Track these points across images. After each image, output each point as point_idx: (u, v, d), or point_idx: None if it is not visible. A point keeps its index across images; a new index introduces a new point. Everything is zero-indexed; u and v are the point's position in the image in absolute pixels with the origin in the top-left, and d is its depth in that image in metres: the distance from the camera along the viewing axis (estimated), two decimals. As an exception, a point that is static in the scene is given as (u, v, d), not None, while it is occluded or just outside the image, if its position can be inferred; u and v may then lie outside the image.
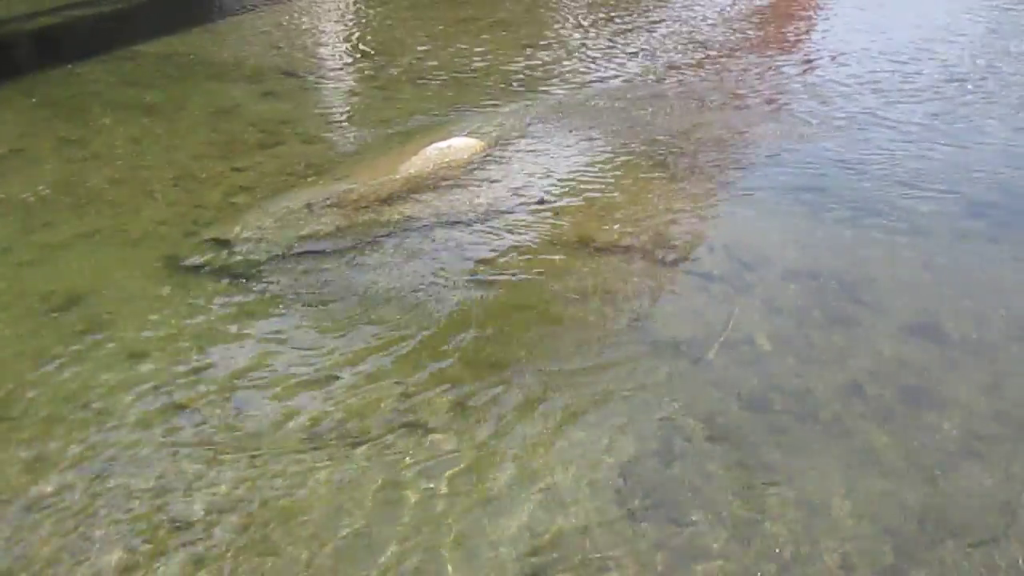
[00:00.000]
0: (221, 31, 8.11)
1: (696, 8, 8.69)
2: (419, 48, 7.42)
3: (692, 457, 2.90)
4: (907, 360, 3.36)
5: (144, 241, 4.24)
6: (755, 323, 3.57)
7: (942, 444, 2.95)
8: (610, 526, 2.64)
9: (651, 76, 6.60)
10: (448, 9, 8.74)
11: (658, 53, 7.20)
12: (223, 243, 4.16)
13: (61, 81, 6.63)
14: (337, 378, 3.28)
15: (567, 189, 4.73)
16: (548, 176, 4.87)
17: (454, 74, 6.70)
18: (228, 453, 2.93)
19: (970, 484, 2.79)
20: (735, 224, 4.42)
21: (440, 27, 8.08)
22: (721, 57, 7.11)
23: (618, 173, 4.93)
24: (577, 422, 3.06)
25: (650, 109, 5.86)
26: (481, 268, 3.98)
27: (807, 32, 8.04)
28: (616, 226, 4.33)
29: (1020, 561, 2.53)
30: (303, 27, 8.23)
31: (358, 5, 9.17)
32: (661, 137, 5.39)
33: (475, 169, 4.92)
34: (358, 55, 7.46)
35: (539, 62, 6.96)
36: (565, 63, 6.95)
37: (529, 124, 5.59)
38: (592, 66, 6.86)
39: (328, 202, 4.53)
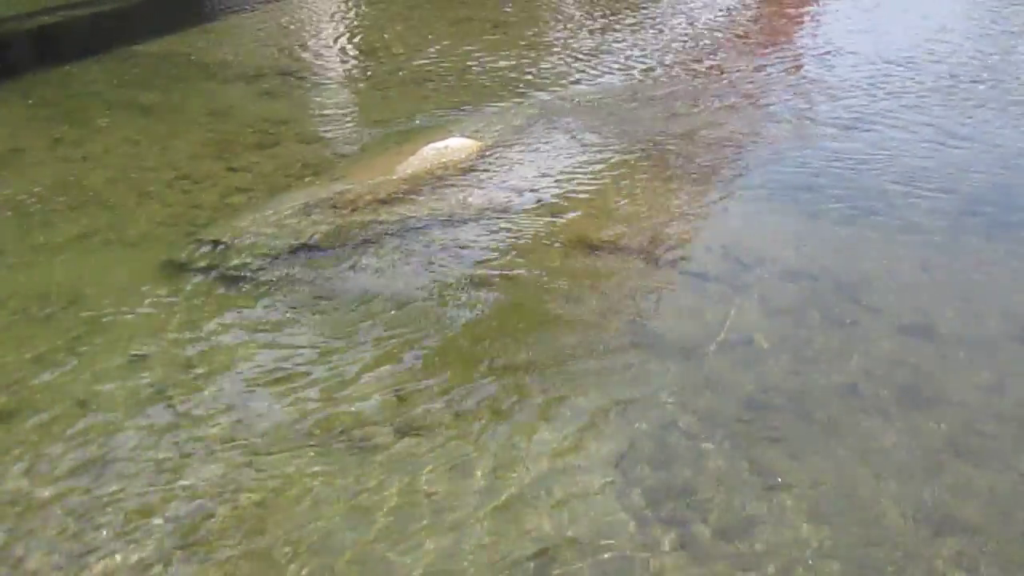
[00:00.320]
0: (218, 31, 8.10)
1: (694, 9, 8.69)
2: (416, 49, 7.41)
3: (690, 457, 2.90)
4: (904, 359, 3.36)
5: (141, 242, 4.24)
6: (753, 323, 3.57)
7: (939, 443, 2.95)
8: (608, 526, 2.64)
9: (648, 76, 6.60)
10: (445, 9, 8.73)
11: (655, 53, 7.20)
12: (220, 244, 4.15)
13: (58, 81, 6.62)
14: (334, 378, 3.27)
15: (564, 189, 4.73)
16: (545, 176, 4.87)
17: (451, 74, 6.70)
18: (226, 453, 2.93)
19: (967, 483, 2.79)
20: (733, 224, 4.42)
21: (437, 27, 8.07)
22: (719, 57, 7.11)
23: (616, 173, 4.93)
24: (575, 422, 3.05)
25: (647, 109, 5.86)
26: (478, 268, 3.98)
27: (804, 32, 8.05)
28: (614, 226, 4.33)
29: (1019, 561, 2.53)
30: (300, 27, 8.22)
31: (355, 5, 9.17)
32: (659, 137, 5.39)
33: (472, 169, 4.92)
34: (355, 55, 7.45)
35: (536, 63, 6.96)
36: (562, 63, 6.95)
37: (526, 124, 5.58)
38: (590, 66, 6.86)
39: (325, 202, 4.53)
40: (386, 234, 4.25)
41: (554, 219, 4.41)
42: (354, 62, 7.31)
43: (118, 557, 2.56)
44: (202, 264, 4.02)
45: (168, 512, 2.71)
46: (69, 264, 4.07)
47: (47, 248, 4.19)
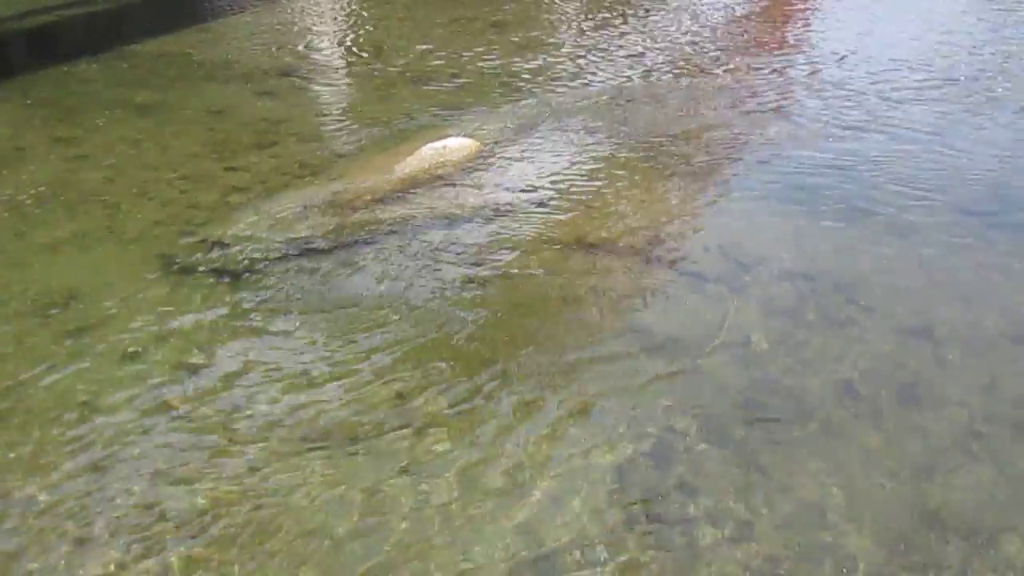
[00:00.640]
0: (216, 31, 8.09)
1: (693, 9, 8.70)
2: (415, 48, 7.42)
3: (688, 457, 2.90)
4: (901, 360, 3.36)
5: (139, 241, 4.23)
6: (751, 323, 3.57)
7: (937, 443, 2.95)
8: (606, 526, 2.64)
9: (647, 76, 6.60)
10: (444, 9, 8.73)
11: (654, 53, 7.20)
12: (218, 243, 4.15)
13: (56, 81, 6.61)
14: (332, 377, 3.27)
15: (563, 189, 4.73)
16: (544, 176, 4.87)
17: (450, 74, 6.70)
18: (223, 453, 2.93)
19: (965, 483, 2.79)
20: (731, 224, 4.42)
21: (436, 27, 8.08)
22: (717, 58, 7.12)
23: (614, 173, 4.93)
24: (573, 422, 3.05)
25: (646, 109, 5.87)
26: (476, 268, 3.98)
27: (803, 33, 8.05)
28: (612, 226, 4.33)
29: (1017, 560, 2.53)
30: (298, 27, 8.22)
31: (353, 5, 9.16)
32: (657, 138, 5.39)
33: (471, 169, 4.92)
34: (354, 55, 7.45)
35: (535, 63, 6.96)
36: (561, 64, 6.95)
37: (525, 124, 5.58)
38: (588, 67, 6.86)
39: (323, 202, 4.53)
40: (384, 234, 4.25)
41: (553, 219, 4.41)
42: (352, 61, 7.30)
43: (116, 557, 2.55)
44: (200, 263, 4.01)
45: (167, 512, 2.71)
46: (67, 263, 4.06)
47: (45, 247, 4.19)
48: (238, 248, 4.11)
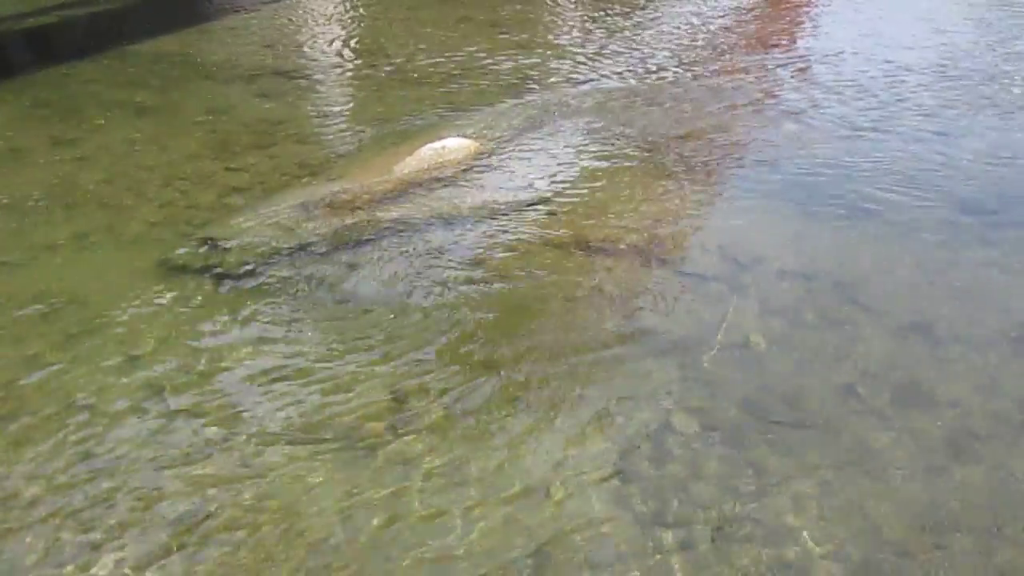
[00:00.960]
0: (215, 31, 8.09)
1: (693, 10, 8.70)
2: (413, 48, 7.41)
3: (687, 457, 2.90)
4: (900, 359, 3.36)
5: (138, 242, 4.23)
6: (750, 323, 3.57)
7: (935, 442, 2.95)
8: (605, 526, 2.64)
9: (646, 77, 6.60)
10: (444, 10, 8.73)
11: (653, 54, 7.20)
12: (217, 244, 4.15)
13: (54, 81, 6.61)
14: (332, 378, 3.27)
15: (562, 189, 4.73)
16: (543, 176, 4.87)
17: (449, 74, 6.70)
18: (223, 453, 2.93)
19: (963, 482, 2.79)
20: (730, 224, 4.42)
21: (436, 28, 8.07)
22: (716, 58, 7.12)
23: (613, 173, 4.93)
24: (572, 422, 3.05)
25: (645, 110, 5.87)
26: (475, 268, 3.98)
27: (801, 33, 8.05)
28: (611, 226, 4.33)
29: (1017, 561, 2.53)
30: (298, 27, 8.22)
31: (353, 5, 9.16)
32: (656, 138, 5.39)
33: (469, 170, 4.92)
34: (352, 55, 7.45)
35: (534, 63, 6.96)
36: (560, 64, 6.95)
37: (524, 125, 5.58)
38: (587, 67, 6.86)
39: (322, 203, 4.52)
40: (383, 234, 4.25)
41: (552, 219, 4.41)
42: (351, 62, 7.30)
43: (114, 556, 2.55)
44: (199, 264, 4.01)
45: (166, 513, 2.71)
46: (66, 264, 4.06)
47: (44, 248, 4.18)
48: (237, 249, 4.11)
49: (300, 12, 8.66)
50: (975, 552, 2.56)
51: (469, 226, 4.34)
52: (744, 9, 8.73)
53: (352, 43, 7.77)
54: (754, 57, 7.09)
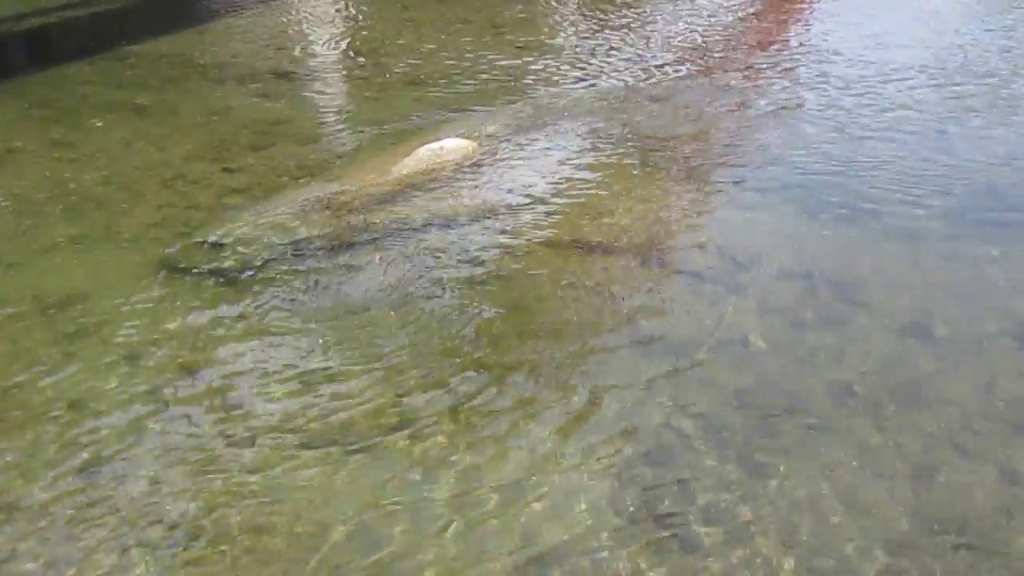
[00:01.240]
0: (213, 32, 8.09)
1: (692, 10, 8.70)
2: (412, 49, 7.41)
3: (685, 456, 2.90)
4: (898, 359, 3.37)
5: (136, 243, 4.23)
6: (748, 323, 3.57)
7: (934, 442, 2.96)
8: (604, 526, 2.64)
9: (644, 78, 6.61)
10: (441, 10, 8.73)
11: (651, 55, 7.21)
12: (215, 245, 4.15)
13: (53, 82, 6.61)
14: (330, 379, 3.27)
15: (560, 190, 4.73)
16: (541, 177, 4.87)
17: (446, 75, 6.70)
18: (221, 454, 2.93)
19: (962, 482, 2.80)
20: (728, 224, 4.43)
21: (434, 29, 8.07)
22: (714, 59, 7.12)
23: (611, 174, 4.93)
24: (570, 423, 3.06)
25: (643, 111, 5.87)
26: (473, 268, 3.98)
27: (799, 34, 8.06)
28: (609, 226, 4.33)
29: (1016, 561, 2.54)
30: (296, 28, 8.22)
31: (350, 6, 9.16)
32: (654, 138, 5.39)
33: (467, 170, 4.92)
34: (350, 56, 7.45)
35: (532, 64, 6.96)
36: (558, 65, 6.95)
37: (522, 125, 5.59)
38: (585, 68, 6.86)
39: (321, 203, 4.53)
40: (381, 235, 4.25)
41: (550, 219, 4.41)
42: (350, 63, 7.30)
43: (114, 559, 2.55)
44: (197, 265, 4.01)
45: (166, 513, 2.71)
46: (64, 265, 4.06)
47: (42, 248, 4.18)
48: (235, 249, 4.11)
49: (298, 13, 8.66)
50: (975, 552, 2.56)
51: (467, 226, 4.34)
52: (743, 10, 8.73)
53: (350, 44, 7.77)
54: (753, 57, 7.10)
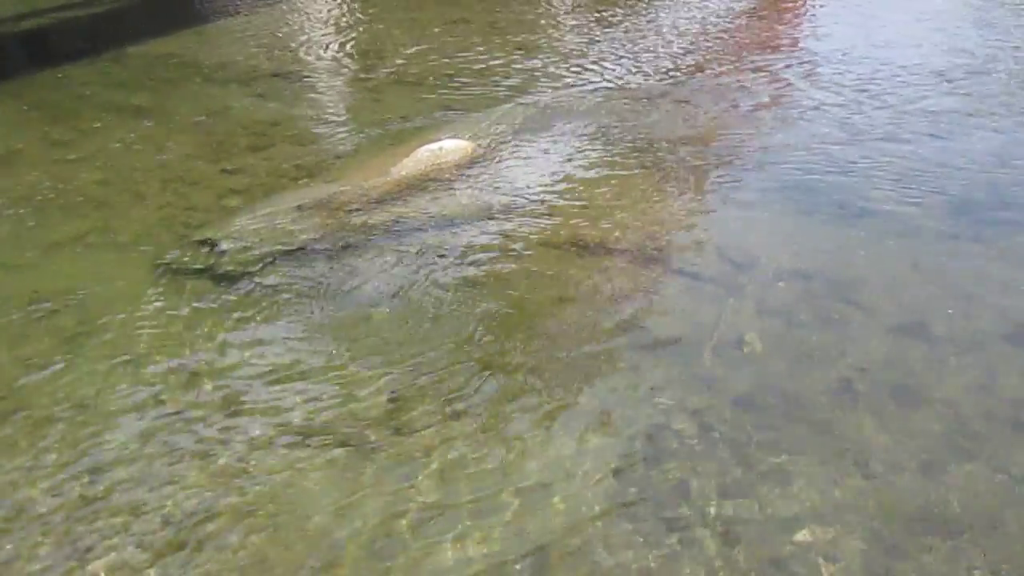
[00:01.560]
0: (211, 33, 8.09)
1: (691, 11, 8.71)
2: (410, 50, 7.42)
3: (684, 455, 2.90)
4: (896, 358, 3.37)
5: (134, 244, 4.23)
6: (747, 323, 3.57)
7: (932, 442, 2.96)
8: (602, 526, 2.64)
9: (642, 79, 6.61)
10: (440, 11, 8.74)
11: (650, 56, 7.21)
12: (214, 245, 4.15)
13: (51, 83, 6.61)
14: (329, 379, 3.27)
15: (558, 191, 4.73)
16: (539, 178, 4.87)
17: (445, 76, 6.70)
18: (221, 454, 2.93)
19: (959, 481, 2.80)
20: (726, 225, 4.43)
21: (431, 29, 8.08)
22: (715, 60, 7.12)
23: (609, 175, 4.93)
24: (569, 422, 3.06)
25: (641, 112, 5.87)
26: (472, 269, 3.98)
27: (797, 34, 8.06)
28: (608, 227, 4.33)
29: (1013, 559, 2.54)
30: (293, 29, 8.22)
31: (349, 7, 9.16)
32: (652, 139, 5.39)
33: (466, 171, 4.92)
34: (349, 57, 7.45)
35: (531, 65, 6.96)
36: (557, 66, 6.95)
37: (521, 126, 5.59)
38: (584, 69, 6.87)
39: (319, 204, 4.53)
40: (380, 235, 4.26)
41: (548, 220, 4.41)
42: (348, 64, 7.30)
43: (113, 559, 2.55)
44: (196, 265, 4.01)
45: (165, 513, 2.71)
46: (63, 266, 4.06)
47: (41, 249, 4.18)
48: (234, 250, 4.11)
49: (296, 14, 8.66)
50: (974, 551, 2.56)
51: (466, 227, 4.34)
52: (743, 10, 8.74)
53: (349, 44, 7.77)
54: (752, 58, 7.10)
